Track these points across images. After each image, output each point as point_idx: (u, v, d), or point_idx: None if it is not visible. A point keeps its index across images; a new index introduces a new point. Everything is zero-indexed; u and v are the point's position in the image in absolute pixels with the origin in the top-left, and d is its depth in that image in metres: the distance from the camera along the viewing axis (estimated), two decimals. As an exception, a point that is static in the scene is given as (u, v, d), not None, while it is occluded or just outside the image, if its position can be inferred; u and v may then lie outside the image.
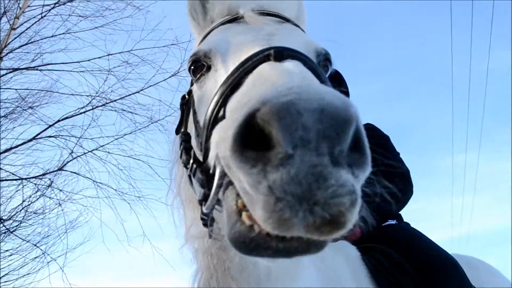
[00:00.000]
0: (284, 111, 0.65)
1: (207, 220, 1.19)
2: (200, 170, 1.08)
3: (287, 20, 1.42)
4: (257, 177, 0.68)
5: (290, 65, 0.93)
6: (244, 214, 0.76)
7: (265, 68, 0.95)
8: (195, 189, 1.18)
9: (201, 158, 1.11)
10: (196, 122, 1.28)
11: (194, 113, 1.32)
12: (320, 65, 1.30)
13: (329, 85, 1.06)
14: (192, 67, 1.34)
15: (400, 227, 2.32)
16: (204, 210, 1.08)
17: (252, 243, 0.74)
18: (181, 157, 1.26)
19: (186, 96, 1.44)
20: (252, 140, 0.69)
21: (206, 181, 1.04)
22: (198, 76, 1.32)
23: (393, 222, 2.39)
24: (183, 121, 1.42)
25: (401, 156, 2.78)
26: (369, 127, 2.85)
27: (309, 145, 0.65)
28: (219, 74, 1.19)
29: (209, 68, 1.28)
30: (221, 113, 1.03)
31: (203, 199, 1.07)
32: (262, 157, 0.68)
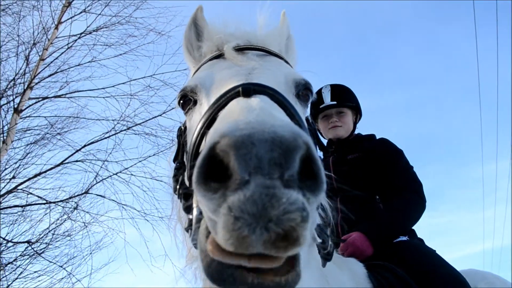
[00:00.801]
0: (240, 143, 0.73)
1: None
2: (186, 198, 1.17)
3: (271, 53, 1.49)
4: (218, 201, 0.74)
5: (255, 101, 1.00)
6: (208, 240, 0.81)
7: (233, 104, 1.04)
8: (183, 215, 1.24)
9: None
10: (185, 152, 1.37)
11: (185, 144, 1.41)
12: (301, 94, 1.40)
13: (297, 116, 1.13)
14: (181, 101, 1.43)
15: (410, 244, 2.29)
16: (190, 240, 1.15)
17: (230, 278, 0.79)
18: (172, 184, 1.34)
19: (182, 128, 1.53)
20: (215, 171, 0.76)
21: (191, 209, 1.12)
22: (187, 109, 1.42)
23: (405, 238, 2.37)
24: (179, 151, 1.50)
25: (415, 169, 2.75)
26: (383, 142, 2.86)
27: (262, 172, 0.72)
28: (203, 108, 1.27)
29: (195, 102, 1.38)
30: (202, 144, 1.12)
31: (189, 227, 1.14)
32: (223, 185, 0.75)
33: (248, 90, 1.09)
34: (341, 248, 2.20)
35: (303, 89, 1.40)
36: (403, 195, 2.48)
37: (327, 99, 2.89)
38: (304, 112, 1.44)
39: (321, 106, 2.88)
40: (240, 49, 1.44)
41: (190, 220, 1.13)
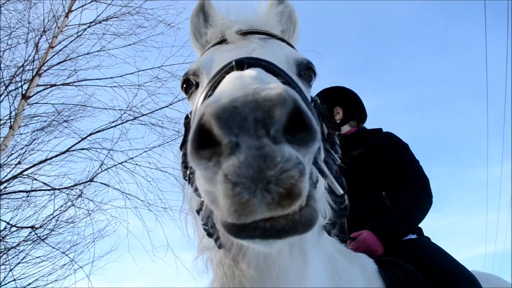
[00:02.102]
0: (221, 109, 0.72)
1: (208, 229, 1.21)
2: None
3: (274, 36, 1.50)
4: (213, 169, 0.74)
5: (247, 72, 0.97)
6: None
7: (226, 78, 1.00)
8: (194, 200, 1.24)
9: None
10: None
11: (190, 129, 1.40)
12: (303, 74, 1.39)
13: (294, 84, 1.11)
14: (184, 86, 1.44)
15: (419, 242, 2.29)
16: (201, 220, 1.15)
17: (241, 225, 0.77)
18: (181, 170, 1.33)
19: (189, 115, 1.51)
20: (207, 141, 0.75)
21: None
22: (189, 93, 1.42)
23: (413, 236, 2.37)
24: (186, 137, 1.48)
25: (421, 164, 2.72)
26: (387, 135, 2.83)
27: (249, 132, 0.71)
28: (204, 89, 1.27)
29: (197, 85, 1.38)
30: None
31: (199, 208, 1.14)
32: (216, 152, 0.74)
33: (242, 63, 1.09)
34: (352, 245, 2.19)
35: (304, 69, 1.40)
36: (410, 191, 2.44)
37: None
38: (308, 92, 1.42)
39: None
40: (243, 34, 1.45)
41: (202, 202, 1.12)
